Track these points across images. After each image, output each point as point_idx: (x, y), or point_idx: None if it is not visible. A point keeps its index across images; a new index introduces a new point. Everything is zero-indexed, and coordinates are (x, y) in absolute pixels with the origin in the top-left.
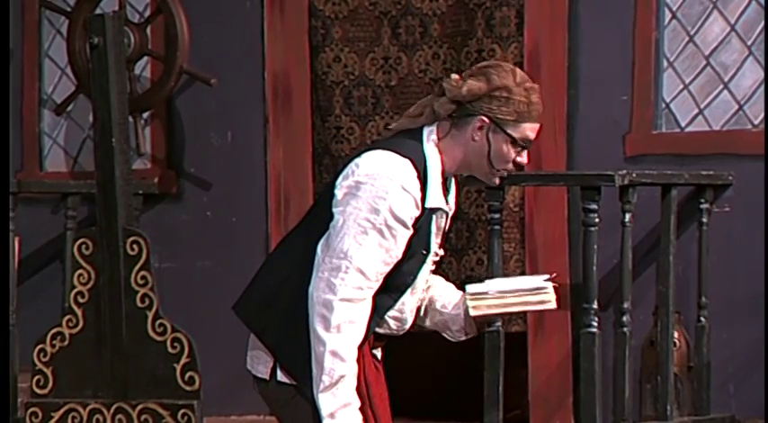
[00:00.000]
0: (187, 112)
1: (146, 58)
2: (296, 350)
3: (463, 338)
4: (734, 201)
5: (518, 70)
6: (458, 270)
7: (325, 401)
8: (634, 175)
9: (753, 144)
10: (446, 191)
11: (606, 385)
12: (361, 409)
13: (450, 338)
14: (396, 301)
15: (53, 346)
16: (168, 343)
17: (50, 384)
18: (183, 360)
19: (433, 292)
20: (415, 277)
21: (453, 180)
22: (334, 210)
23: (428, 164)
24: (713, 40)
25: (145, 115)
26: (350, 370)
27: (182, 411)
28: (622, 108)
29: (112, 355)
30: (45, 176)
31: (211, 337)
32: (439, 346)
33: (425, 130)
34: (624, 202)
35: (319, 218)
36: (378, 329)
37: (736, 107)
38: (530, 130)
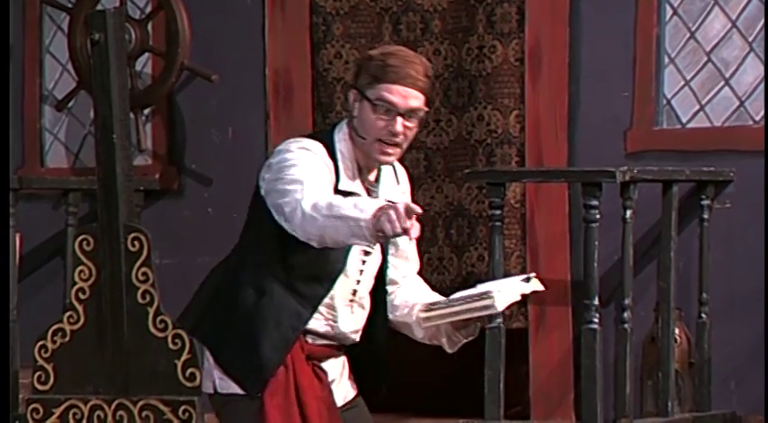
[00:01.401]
0: (188, 108)
1: (147, 55)
2: (234, 354)
3: (455, 348)
4: (735, 197)
5: (396, 46)
6: (458, 266)
7: (356, 221)
8: (635, 171)
9: (754, 140)
10: (378, 180)
11: (607, 382)
12: (287, 413)
13: (448, 349)
14: (327, 290)
15: (54, 342)
16: (169, 339)
17: (51, 380)
18: (184, 356)
19: (419, 303)
20: (344, 265)
21: (397, 174)
22: (262, 194)
23: (336, 149)
24: (714, 36)
25: (146, 111)
26: (325, 204)
27: (183, 407)
28: (623, 104)
29: (113, 352)
30: (46, 173)
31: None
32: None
33: (339, 125)
34: (625, 199)
35: (247, 224)
36: (313, 327)
37: (738, 103)
38: (385, 91)
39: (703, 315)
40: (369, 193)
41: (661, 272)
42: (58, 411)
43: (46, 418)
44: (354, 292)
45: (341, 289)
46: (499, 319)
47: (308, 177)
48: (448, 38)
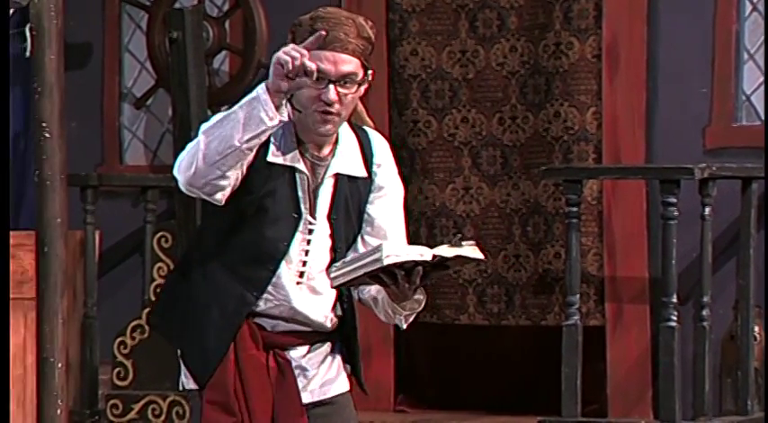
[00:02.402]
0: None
1: (224, 52)
2: (185, 345)
3: (400, 319)
4: None
5: (327, 8)
6: (535, 264)
7: (251, 117)
8: (714, 168)
9: None
10: (334, 154)
11: (686, 380)
12: (225, 407)
13: (397, 323)
14: (273, 272)
15: (133, 338)
16: None
17: (131, 376)
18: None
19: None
20: (288, 244)
21: (371, 146)
22: None
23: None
24: None
25: (223, 109)
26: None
27: None
28: (702, 100)
29: None
30: (125, 170)
31: None
32: (517, 339)
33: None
34: (704, 196)
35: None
36: (264, 309)
37: None
38: (314, 58)
39: None
40: (313, 168)
41: (740, 269)
42: (137, 407)
43: (125, 413)
44: (301, 274)
45: (286, 271)
46: (576, 317)
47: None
48: (524, 34)
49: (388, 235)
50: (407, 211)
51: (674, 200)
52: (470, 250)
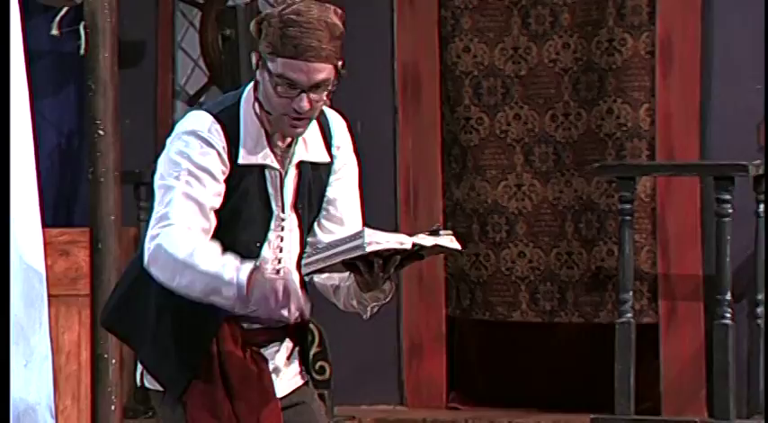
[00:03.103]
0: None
1: None
2: (155, 350)
3: (367, 313)
4: None
5: (305, 6)
6: (588, 261)
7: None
8: None
9: None
10: (296, 142)
11: (741, 378)
12: (214, 412)
13: (362, 312)
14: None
15: None
16: None
17: None
18: (314, 349)
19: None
20: (261, 244)
21: (330, 126)
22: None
23: (241, 119)
24: None
25: None
26: (191, 257)
27: None
28: (756, 97)
29: None
30: None
31: (342, 327)
32: (570, 336)
33: (246, 88)
34: (758, 193)
35: None
36: (251, 322)
37: None
38: (286, 67)
39: None
40: (282, 161)
41: None
42: None
43: None
44: (277, 272)
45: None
46: (629, 315)
47: (182, 211)
48: (577, 31)
49: (346, 221)
50: (460, 209)
51: (728, 197)
52: (448, 240)
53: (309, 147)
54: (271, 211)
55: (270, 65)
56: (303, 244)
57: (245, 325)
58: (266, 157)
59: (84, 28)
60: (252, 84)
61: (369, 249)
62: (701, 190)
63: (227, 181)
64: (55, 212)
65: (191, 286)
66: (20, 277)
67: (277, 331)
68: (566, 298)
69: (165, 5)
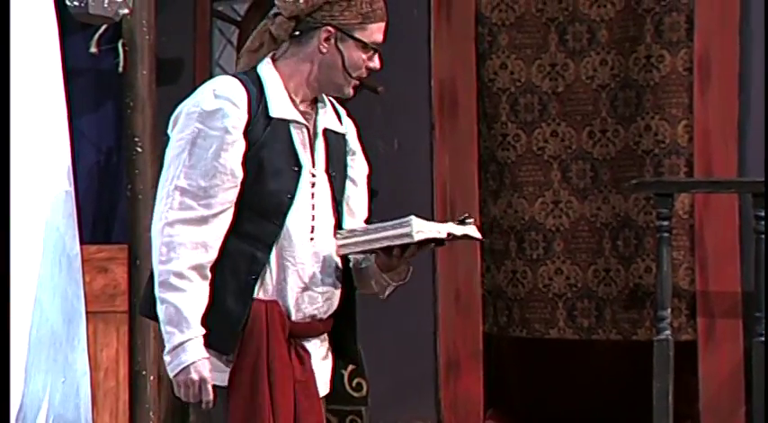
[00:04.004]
0: (353, 119)
1: None
2: (214, 318)
3: (384, 291)
4: None
5: None
6: (626, 278)
7: (168, 335)
8: None
9: None
10: (316, 111)
11: None
12: (251, 407)
13: (380, 293)
14: (280, 226)
15: None
16: None
17: None
18: (351, 366)
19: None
20: (293, 196)
21: (340, 114)
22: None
23: (263, 78)
24: None
25: None
26: (187, 298)
27: (349, 417)
28: None
29: None
30: None
31: (379, 344)
32: (608, 355)
33: (260, 63)
34: None
35: None
36: (298, 309)
37: None
38: (377, 31)
39: None
40: (306, 119)
41: None
42: None
43: None
44: (312, 229)
45: (296, 226)
46: (667, 332)
47: (188, 199)
48: (615, 47)
49: (356, 213)
50: (497, 225)
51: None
52: (474, 230)
53: (330, 117)
54: (299, 167)
55: (357, 34)
56: (336, 214)
57: (292, 316)
58: (295, 115)
59: (123, 46)
60: (265, 60)
61: (417, 238)
62: (740, 206)
63: (254, 130)
64: (93, 229)
65: (163, 290)
66: (59, 293)
67: (316, 323)
68: (603, 315)
69: (203, 23)
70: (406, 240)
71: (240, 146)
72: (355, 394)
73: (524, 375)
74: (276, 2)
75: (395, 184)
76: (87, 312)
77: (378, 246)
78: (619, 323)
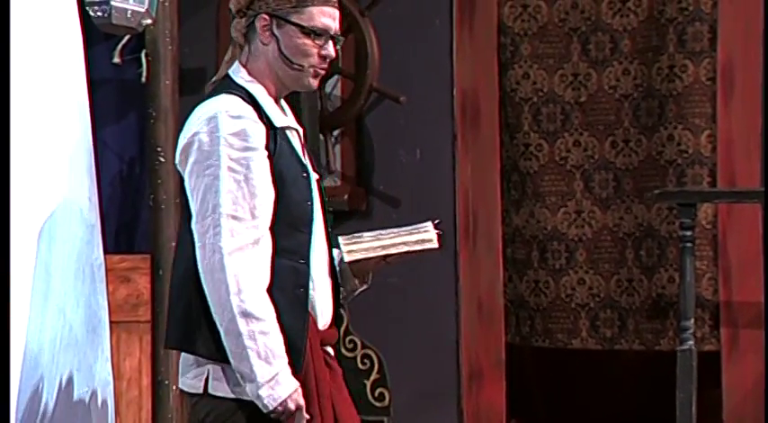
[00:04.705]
0: (376, 129)
1: (336, 77)
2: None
3: (351, 296)
4: None
5: None
6: (648, 288)
7: (260, 369)
8: None
9: None
10: (284, 113)
11: None
12: (308, 406)
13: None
14: (309, 235)
15: None
16: (358, 359)
17: None
18: (373, 376)
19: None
20: (312, 203)
21: (285, 103)
22: (185, 185)
23: (250, 90)
24: None
25: (335, 133)
26: (270, 326)
27: None
28: None
29: None
30: None
31: (401, 354)
32: (631, 365)
33: (233, 70)
34: None
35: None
36: (322, 316)
37: None
38: (318, 13)
39: None
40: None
41: None
42: None
43: None
44: (326, 233)
45: (316, 231)
46: (690, 342)
47: (241, 225)
48: (638, 57)
49: None
50: (520, 235)
51: None
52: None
53: (288, 114)
54: (307, 173)
55: (295, 18)
56: (324, 215)
57: (320, 322)
58: (289, 120)
59: (146, 56)
60: (235, 64)
61: (435, 245)
62: (763, 216)
63: (270, 144)
64: (116, 239)
65: (243, 322)
66: (82, 302)
67: (334, 329)
68: (626, 325)
69: (225, 33)
70: (428, 246)
71: (267, 161)
72: (378, 404)
73: (547, 385)
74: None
75: (417, 193)
76: (110, 322)
77: (394, 251)
78: (642, 333)
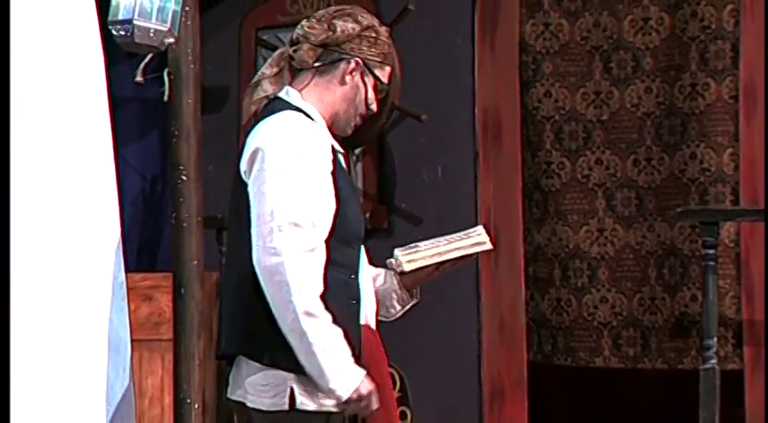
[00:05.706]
0: (398, 147)
1: None
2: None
3: (399, 312)
4: None
5: (377, 22)
6: (671, 306)
7: (328, 362)
8: None
9: None
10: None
11: None
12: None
13: (384, 317)
14: (359, 251)
15: None
16: None
17: None
18: (396, 394)
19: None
20: (364, 221)
21: None
22: (249, 189)
23: (311, 115)
24: None
25: (357, 151)
26: (331, 323)
27: None
28: None
29: None
30: None
31: (423, 372)
32: (654, 384)
33: (285, 93)
34: None
35: (241, 224)
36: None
37: None
38: (388, 73)
39: None
40: None
41: None
42: None
43: None
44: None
45: (362, 251)
46: (713, 361)
47: (301, 232)
48: (660, 75)
49: None
50: (542, 253)
51: None
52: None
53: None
54: (357, 191)
55: (377, 72)
56: None
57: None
58: (339, 145)
59: (168, 74)
60: (288, 88)
61: (491, 246)
62: None
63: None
64: (138, 257)
65: (308, 320)
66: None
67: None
68: (649, 344)
69: (248, 52)
70: (484, 248)
71: (330, 178)
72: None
73: (569, 404)
74: (304, 29)
75: (439, 211)
76: (132, 340)
77: (451, 257)
78: (664, 352)
